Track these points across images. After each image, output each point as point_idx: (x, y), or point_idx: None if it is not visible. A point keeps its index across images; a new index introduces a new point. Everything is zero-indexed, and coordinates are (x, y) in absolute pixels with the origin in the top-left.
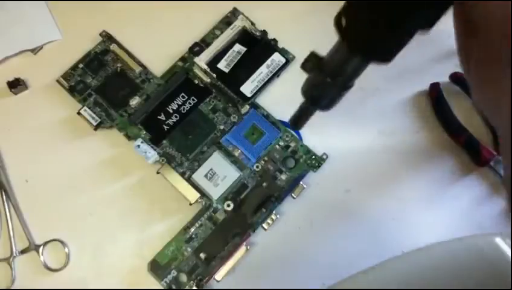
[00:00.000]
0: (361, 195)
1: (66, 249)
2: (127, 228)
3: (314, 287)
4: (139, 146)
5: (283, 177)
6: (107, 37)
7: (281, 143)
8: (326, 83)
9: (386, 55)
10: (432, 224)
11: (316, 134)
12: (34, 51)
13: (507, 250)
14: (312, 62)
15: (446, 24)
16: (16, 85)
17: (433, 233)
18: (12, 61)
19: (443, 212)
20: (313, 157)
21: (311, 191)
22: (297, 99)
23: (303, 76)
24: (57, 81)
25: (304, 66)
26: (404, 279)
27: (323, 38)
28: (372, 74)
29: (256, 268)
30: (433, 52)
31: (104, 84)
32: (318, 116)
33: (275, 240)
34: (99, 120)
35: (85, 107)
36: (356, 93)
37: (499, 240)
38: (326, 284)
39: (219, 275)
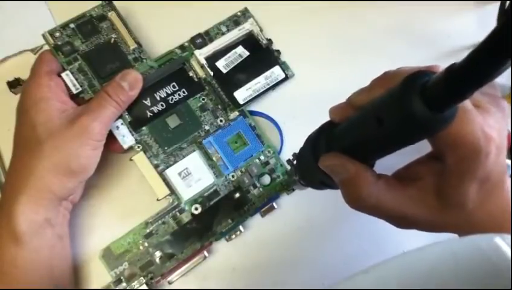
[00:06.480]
0: None
1: None
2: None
3: (314, 288)
4: (118, 127)
5: (255, 192)
6: (107, 3)
7: (262, 158)
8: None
9: None
10: None
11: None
12: (34, 51)
13: (507, 250)
14: (291, 163)
15: (446, 24)
16: (16, 85)
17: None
18: (12, 61)
19: None
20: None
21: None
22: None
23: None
24: (43, 35)
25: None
26: (404, 279)
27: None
28: (371, 75)
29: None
30: (433, 52)
31: (93, 52)
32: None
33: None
34: (80, 89)
35: (68, 72)
36: None
37: (498, 240)
38: (326, 284)
39: (172, 277)
